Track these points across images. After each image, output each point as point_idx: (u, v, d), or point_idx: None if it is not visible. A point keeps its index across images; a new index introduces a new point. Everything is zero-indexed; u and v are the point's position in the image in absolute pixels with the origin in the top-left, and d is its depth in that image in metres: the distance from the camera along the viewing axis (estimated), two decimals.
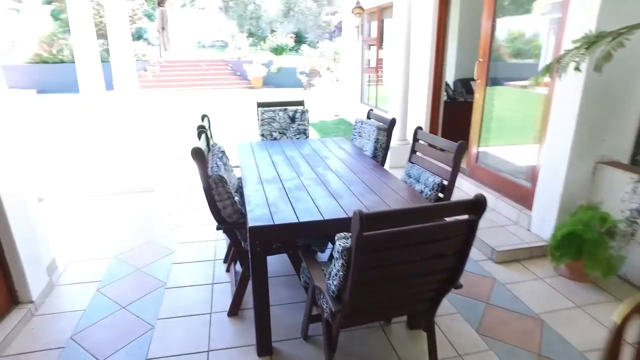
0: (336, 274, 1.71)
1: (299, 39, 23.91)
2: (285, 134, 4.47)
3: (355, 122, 3.99)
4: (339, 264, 1.65)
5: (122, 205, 4.73)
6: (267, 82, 16.78)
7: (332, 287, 1.76)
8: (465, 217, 1.69)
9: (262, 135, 4.42)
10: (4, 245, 2.69)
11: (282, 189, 2.68)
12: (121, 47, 4.76)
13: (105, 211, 4.56)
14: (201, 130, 3.01)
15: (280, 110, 4.46)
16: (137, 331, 2.61)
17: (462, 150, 2.60)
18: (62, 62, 16.87)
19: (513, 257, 3.46)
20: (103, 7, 4.68)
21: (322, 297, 1.98)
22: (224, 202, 2.47)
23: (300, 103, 4.62)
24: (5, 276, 2.76)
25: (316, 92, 14.81)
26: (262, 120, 4.42)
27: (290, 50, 20.88)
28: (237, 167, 3.88)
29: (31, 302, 2.85)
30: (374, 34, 8.41)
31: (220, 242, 3.80)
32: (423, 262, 1.75)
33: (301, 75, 16.48)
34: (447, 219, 1.73)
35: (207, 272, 3.31)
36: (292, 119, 4.47)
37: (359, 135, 3.91)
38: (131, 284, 3.15)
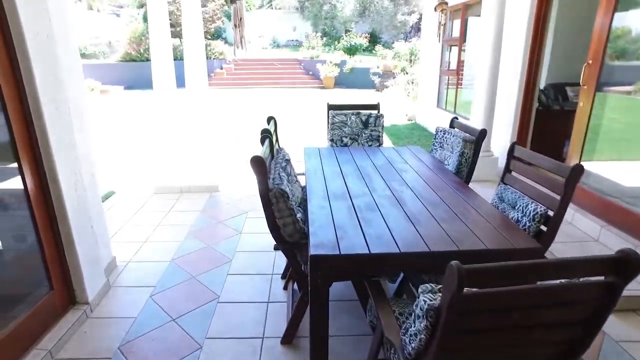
0: (416, 335, 1.33)
1: (373, 39, 23.42)
2: (356, 140, 4.12)
3: (437, 131, 3.53)
4: (422, 325, 1.27)
5: (186, 203, 4.68)
6: (339, 82, 16.54)
7: (409, 348, 1.38)
8: (600, 278, 1.23)
9: (332, 140, 4.11)
10: (64, 243, 2.63)
11: (351, 208, 2.34)
12: (193, 46, 4.69)
13: (169, 209, 4.52)
14: (265, 135, 2.76)
15: (352, 114, 4.12)
16: (184, 350, 2.41)
17: (578, 175, 2.08)
18: (147, 60, 17.94)
19: (629, 306, 2.81)
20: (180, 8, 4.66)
21: (392, 351, 1.61)
22: (285, 219, 2.18)
23: (375, 107, 4.25)
24: (65, 276, 2.70)
25: (389, 94, 14.29)
26: (333, 124, 4.11)
27: (363, 50, 20.47)
28: (302, 174, 3.60)
29: (87, 303, 2.78)
30: (456, 33, 7.78)
31: (279, 253, 3.55)
32: (534, 330, 1.31)
33: (374, 76, 16.03)
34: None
35: (263, 288, 3.06)
36: (365, 124, 4.11)
37: (440, 147, 3.45)
38: (184, 294, 2.99)
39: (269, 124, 3.35)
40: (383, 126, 4.14)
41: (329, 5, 28.06)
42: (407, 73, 14.45)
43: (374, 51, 18.31)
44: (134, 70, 17.61)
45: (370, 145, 4.10)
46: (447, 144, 3.33)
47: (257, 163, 2.12)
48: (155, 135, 5.10)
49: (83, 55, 18.75)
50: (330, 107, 4.20)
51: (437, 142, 3.51)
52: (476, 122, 5.20)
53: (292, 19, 30.64)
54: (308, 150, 3.69)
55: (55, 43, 2.45)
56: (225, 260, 3.46)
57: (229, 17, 30.08)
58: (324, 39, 21.31)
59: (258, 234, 3.94)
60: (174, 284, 3.11)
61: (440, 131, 3.48)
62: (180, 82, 4.81)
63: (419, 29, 30.94)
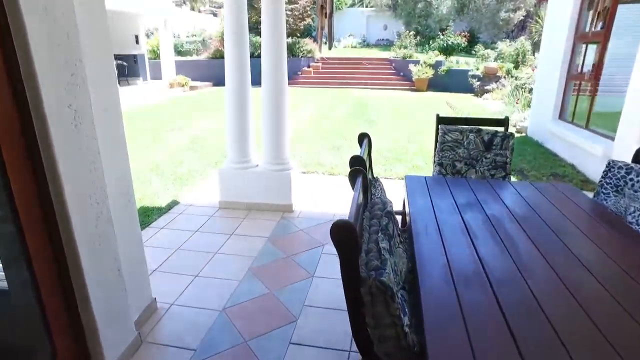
0: None
1: (471, 38, 21.45)
2: (474, 167, 3.05)
3: (611, 167, 2.35)
4: None
5: (252, 226, 3.96)
6: (433, 84, 15.15)
7: None
8: None
9: (440, 164, 3.08)
10: (77, 298, 1.97)
11: (494, 306, 1.35)
12: (271, 43, 3.94)
13: (231, 231, 3.83)
14: (357, 172, 1.85)
15: (470, 131, 3.06)
16: None
17: None
18: None
19: None
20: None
21: None
22: (383, 331, 1.25)
23: (501, 122, 3.14)
24: (77, 336, 2.04)
25: (490, 100, 12.64)
26: (443, 143, 3.08)
27: (461, 50, 18.71)
28: (399, 213, 2.67)
29: None
30: (598, 26, 6.20)
31: None
32: None
33: (472, 78, 14.39)
34: None
35: None
36: (488, 146, 3.02)
37: (617, 191, 2.27)
38: None
39: (361, 144, 2.45)
40: (512, 150, 3.02)
41: (423, 3, 26.47)
42: (514, 77, 12.65)
43: (473, 52, 16.57)
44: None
45: (494, 176, 3.00)
46: (633, 190, 2.15)
47: (343, 232, 1.21)
48: (225, 140, 4.47)
49: (179, 53, 19.50)
50: (441, 121, 3.18)
51: (609, 183, 2.33)
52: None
53: (383, 17, 29.50)
54: (411, 182, 2.72)
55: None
56: (288, 318, 2.62)
57: None
58: (417, 38, 19.88)
59: (334, 280, 3.06)
60: (220, 349, 2.34)
61: (619, 167, 2.29)
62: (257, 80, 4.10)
63: (523, 28, 28.04)
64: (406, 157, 6.27)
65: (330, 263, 3.30)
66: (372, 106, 11.54)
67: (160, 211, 4.35)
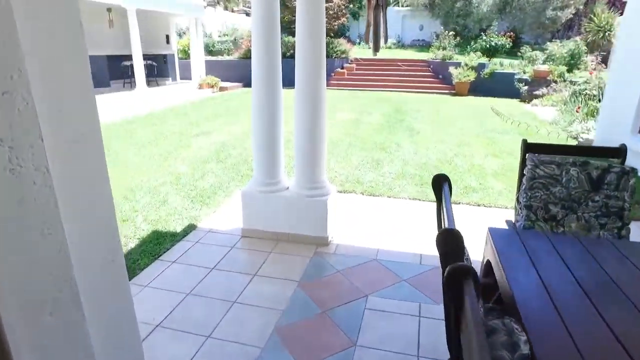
0: None
1: (516, 39, 20.17)
2: (575, 213, 2.28)
3: None
4: None
5: (280, 262, 3.30)
6: (474, 88, 14.14)
7: None
8: None
9: (529, 207, 2.33)
10: None
11: None
12: (308, 45, 3.26)
13: (255, 270, 3.18)
14: (461, 272, 1.13)
15: (573, 164, 2.29)
16: None
17: None
18: None
19: None
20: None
21: None
22: None
23: (616, 152, 2.34)
24: None
25: (540, 106, 11.57)
26: (533, 179, 2.32)
27: (504, 52, 17.51)
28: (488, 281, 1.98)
29: None
30: None
31: None
32: None
33: (519, 82, 13.31)
34: None
35: None
36: (596, 185, 2.24)
37: None
38: None
39: (439, 192, 1.75)
40: (634, 191, 2.22)
41: (462, 2, 25.28)
42: (568, 81, 11.54)
43: (519, 53, 15.41)
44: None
45: (604, 226, 2.22)
46: None
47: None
48: (252, 150, 3.84)
49: (210, 52, 19.20)
50: (530, 148, 2.41)
51: None
52: None
53: (419, 17, 28.48)
54: (500, 239, 1.97)
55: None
56: None
57: (353, 14, 29.06)
58: (457, 38, 18.81)
59: (386, 353, 2.35)
60: None
61: None
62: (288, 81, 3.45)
63: (570, 27, 26.33)
64: (455, 175, 5.47)
65: (376, 324, 2.60)
66: (410, 112, 10.72)
67: (174, 238, 3.76)
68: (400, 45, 27.79)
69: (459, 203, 4.61)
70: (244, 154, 6.51)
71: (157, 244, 3.64)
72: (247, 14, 34.07)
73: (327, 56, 14.65)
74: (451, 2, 25.67)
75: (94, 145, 1.50)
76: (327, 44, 17.55)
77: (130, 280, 3.08)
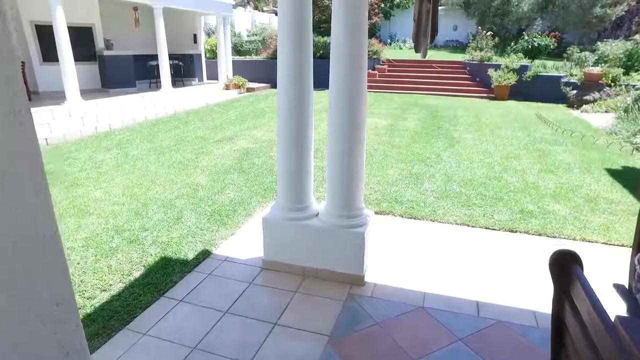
0: None
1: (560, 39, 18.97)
2: None
3: None
4: None
5: (306, 308, 2.73)
6: (515, 91, 13.19)
7: None
8: None
9: None
10: None
11: None
12: (346, 47, 2.67)
13: (275, 318, 2.62)
14: None
15: None
16: None
17: None
18: None
19: None
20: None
21: None
22: None
23: None
24: None
25: (592, 112, 10.59)
26: None
27: (548, 53, 16.40)
28: None
29: None
30: None
31: None
32: None
33: (566, 86, 12.31)
34: None
35: None
36: None
37: None
38: None
39: (565, 278, 1.11)
40: None
41: (500, 1, 24.12)
42: (626, 85, 10.50)
43: (565, 54, 14.33)
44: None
45: None
46: None
47: None
48: (276, 164, 3.30)
49: (238, 52, 18.89)
50: None
51: None
52: None
53: (453, 16, 27.47)
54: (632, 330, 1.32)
55: None
56: None
57: (385, 14, 28.26)
58: (496, 39, 17.79)
59: None
60: None
61: None
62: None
63: (618, 26, 24.65)
64: (508, 196, 4.76)
65: None
66: (447, 117, 9.97)
67: (185, 267, 3.25)
68: (433, 45, 26.83)
69: (515, 231, 3.92)
70: (269, 163, 5.98)
71: (164, 275, 3.15)
72: (277, 13, 33.79)
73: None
74: (488, 0, 24.56)
75: (35, 179, 0.94)
76: None
77: (127, 324, 2.59)
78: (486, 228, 4.00)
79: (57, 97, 8.42)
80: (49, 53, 9.72)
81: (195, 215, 4.24)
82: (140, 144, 7.21)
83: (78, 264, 3.36)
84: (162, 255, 3.44)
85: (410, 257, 3.42)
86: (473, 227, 4.04)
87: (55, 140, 7.36)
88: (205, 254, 3.45)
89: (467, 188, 5.01)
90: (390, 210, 4.35)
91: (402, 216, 4.25)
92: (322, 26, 16.84)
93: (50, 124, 7.58)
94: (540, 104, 12.36)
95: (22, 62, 9.01)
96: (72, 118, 8.07)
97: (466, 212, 4.32)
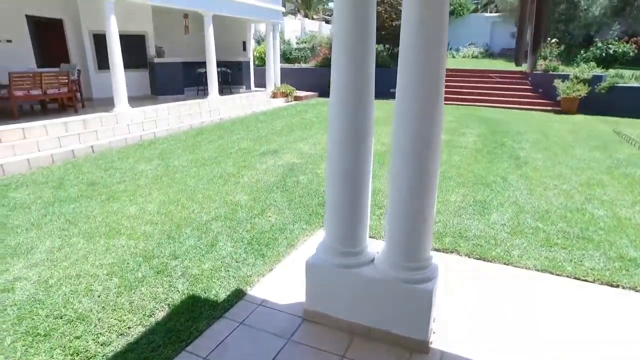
0: None
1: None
2: None
3: None
4: None
5: None
6: (585, 104, 11.94)
7: None
8: None
9: None
10: None
11: None
12: (415, 48, 2.10)
13: None
14: None
15: None
16: None
17: None
18: None
19: None
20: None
21: None
22: None
23: None
24: None
25: None
26: None
27: (626, 60, 14.85)
28: None
29: None
30: None
31: None
32: None
33: None
34: None
35: None
36: None
37: None
38: None
39: None
40: None
41: (565, 5, 22.50)
42: None
43: None
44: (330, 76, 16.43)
45: None
46: None
47: None
48: (325, 192, 2.78)
49: (287, 60, 18.69)
50: None
51: None
52: None
53: (511, 23, 25.98)
54: None
55: None
56: None
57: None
58: (561, 46, 16.42)
59: None
60: None
61: None
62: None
63: None
64: (599, 236, 3.96)
65: None
66: (510, 133, 9.06)
67: (214, 311, 2.80)
68: (488, 54, 25.48)
69: (617, 285, 3.16)
70: (315, 181, 5.48)
71: (190, 319, 2.70)
72: (327, 21, 33.60)
73: (390, 64, 13.38)
74: (552, 4, 22.97)
75: None
76: (392, 49, 16.21)
77: None
78: (575, 278, 3.26)
79: (109, 103, 8.40)
80: (104, 61, 9.83)
81: (232, 242, 3.80)
82: (182, 154, 6.96)
83: (99, 296, 3.00)
84: (190, 293, 3.00)
85: (483, 315, 2.77)
86: (558, 275, 3.31)
87: (101, 147, 7.27)
88: (238, 295, 2.98)
89: (544, 222, 4.25)
90: (455, 247, 3.70)
91: (468, 256, 3.59)
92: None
93: (97, 131, 7.52)
94: (617, 119, 11.10)
95: (78, 69, 9.13)
96: (118, 125, 8.01)
97: (547, 255, 3.58)
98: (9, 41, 9.43)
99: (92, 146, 7.11)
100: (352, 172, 2.42)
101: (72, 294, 3.02)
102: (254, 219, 4.31)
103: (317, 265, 2.57)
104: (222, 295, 2.98)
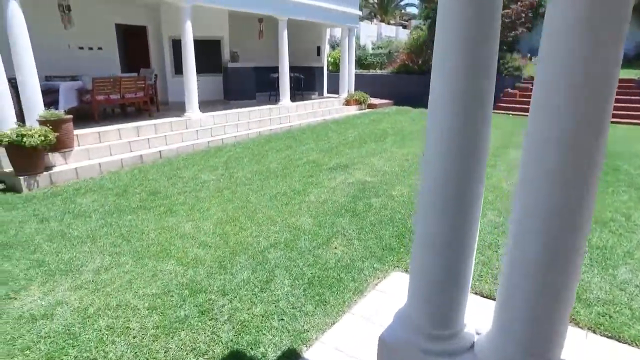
0: None
1: None
2: None
3: None
4: None
5: None
6: None
7: None
8: None
9: None
10: None
11: None
12: (569, 51, 1.35)
13: None
14: None
15: None
16: None
17: None
18: (424, 72, 15.61)
19: None
20: None
21: None
22: None
23: None
24: None
25: None
26: None
27: None
28: None
29: None
30: None
31: None
32: None
33: None
34: None
35: None
36: None
37: None
38: None
39: None
40: None
41: None
42: None
43: None
44: (409, 84, 15.60)
45: None
46: None
47: None
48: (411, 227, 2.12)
49: (361, 65, 18.11)
50: None
51: None
52: None
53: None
54: None
55: None
56: None
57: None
58: None
59: None
60: None
61: None
62: None
63: None
64: None
65: None
66: (624, 155, 7.63)
67: None
68: None
69: None
70: (389, 206, 4.79)
71: None
72: (404, 26, 32.52)
73: (497, 72, 12.32)
74: None
75: None
76: (498, 59, 14.86)
77: None
78: None
79: (183, 108, 8.37)
80: (180, 66, 9.94)
81: (290, 278, 3.25)
82: (247, 164, 6.62)
83: (134, 338, 2.59)
84: (234, 348, 2.48)
85: None
86: None
87: (169, 153, 7.18)
88: (290, 358, 2.41)
89: None
90: (572, 315, 2.83)
91: (592, 330, 2.70)
92: None
93: (167, 136, 7.46)
94: None
95: (155, 74, 9.28)
96: (187, 131, 7.92)
97: None
98: (100, 49, 9.88)
99: (160, 151, 7.03)
100: (451, 225, 1.73)
101: (107, 331, 2.65)
102: (317, 250, 3.74)
103: (394, 345, 1.90)
104: (271, 355, 2.43)
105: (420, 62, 16.11)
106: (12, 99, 5.86)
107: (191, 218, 4.47)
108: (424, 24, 20.12)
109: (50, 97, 7.63)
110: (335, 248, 3.79)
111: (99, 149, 6.52)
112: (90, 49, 9.71)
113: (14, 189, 5.52)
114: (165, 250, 3.75)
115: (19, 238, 4.04)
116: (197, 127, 8.14)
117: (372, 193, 5.23)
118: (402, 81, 15.99)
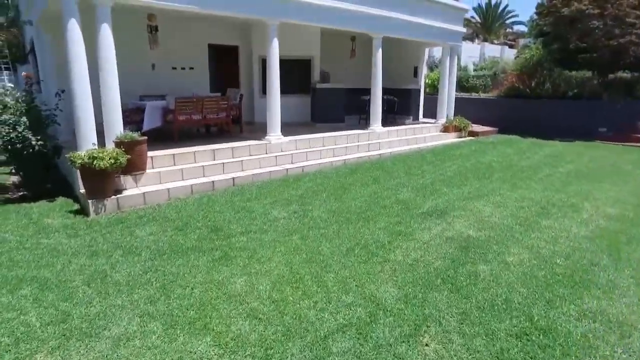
0: None
1: None
2: None
3: None
4: None
5: None
6: None
7: None
8: None
9: None
10: None
11: None
12: None
13: None
14: None
15: None
16: None
17: None
18: (539, 97, 13.58)
19: None
20: None
21: None
22: None
23: None
24: None
25: None
26: None
27: None
28: None
29: None
30: None
31: None
32: None
33: None
34: None
35: None
36: None
37: None
38: None
39: None
40: None
41: None
42: None
43: None
44: (518, 110, 13.71)
45: None
46: None
47: None
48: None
49: (462, 88, 16.52)
50: None
51: None
52: None
53: None
54: None
55: None
56: None
57: None
58: None
59: None
60: None
61: None
62: None
63: None
64: None
65: None
66: None
67: None
68: None
69: None
70: (504, 278, 3.52)
71: None
72: (510, 46, 29.72)
73: (632, 97, 10.01)
74: None
75: None
76: (636, 81, 12.36)
77: None
78: None
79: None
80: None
81: None
82: (325, 200, 5.73)
83: None
84: None
85: None
86: None
87: (243, 180, 6.59)
88: None
89: None
90: None
91: None
92: (580, 56, 12.97)
93: (243, 161, 6.91)
94: None
95: (241, 94, 8.96)
96: (266, 156, 7.32)
97: None
98: (192, 68, 9.92)
99: (233, 178, 6.47)
100: None
101: None
102: (400, 345, 2.65)
103: None
104: None
105: (533, 84, 14.10)
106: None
107: (247, 271, 3.66)
108: (534, 43, 17.87)
109: (139, 115, 7.61)
110: (427, 345, 2.67)
111: (171, 172, 6.13)
112: (183, 69, 9.76)
113: (84, 212, 5.29)
114: (205, 317, 2.95)
115: (60, 276, 3.58)
116: (277, 151, 7.51)
117: (479, 256, 3.96)
118: (509, 106, 14.12)
